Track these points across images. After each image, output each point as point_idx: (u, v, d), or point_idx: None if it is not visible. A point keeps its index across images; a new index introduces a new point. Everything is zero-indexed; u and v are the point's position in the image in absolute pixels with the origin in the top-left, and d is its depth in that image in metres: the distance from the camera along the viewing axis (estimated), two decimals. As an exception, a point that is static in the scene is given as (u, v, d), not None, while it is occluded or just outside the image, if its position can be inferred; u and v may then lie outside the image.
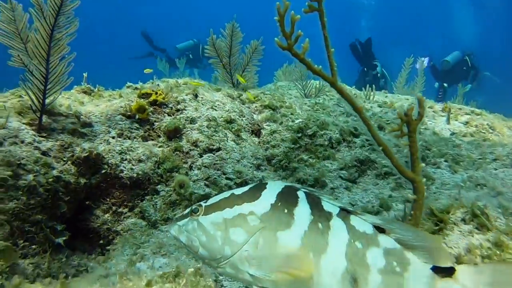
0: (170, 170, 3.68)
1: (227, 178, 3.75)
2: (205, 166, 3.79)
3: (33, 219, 2.76)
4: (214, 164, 3.82)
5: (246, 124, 4.57)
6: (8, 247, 2.33)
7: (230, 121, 4.37)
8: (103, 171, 3.39)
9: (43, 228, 2.82)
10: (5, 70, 3.18)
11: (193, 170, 3.76)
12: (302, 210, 1.61)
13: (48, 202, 2.91)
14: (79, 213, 3.39)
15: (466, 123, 5.90)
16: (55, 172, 3.01)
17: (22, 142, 3.02)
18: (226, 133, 4.21)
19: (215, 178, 3.72)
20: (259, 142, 4.51)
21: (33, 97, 3.17)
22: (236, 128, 4.33)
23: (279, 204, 1.62)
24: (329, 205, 1.65)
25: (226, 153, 3.94)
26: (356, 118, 5.22)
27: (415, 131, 2.05)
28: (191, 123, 4.12)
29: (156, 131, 3.95)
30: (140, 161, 3.59)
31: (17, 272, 2.44)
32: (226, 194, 1.75)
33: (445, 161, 4.13)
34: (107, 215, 3.41)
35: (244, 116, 4.67)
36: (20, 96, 4.37)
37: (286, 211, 1.61)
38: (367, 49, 12.59)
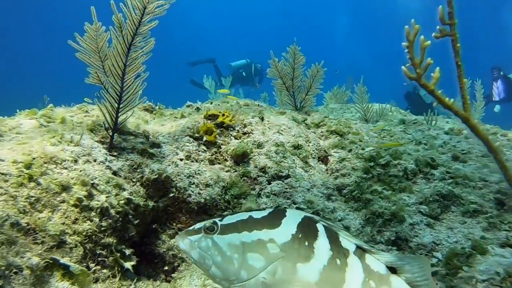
0: (238, 196, 3.49)
1: (297, 208, 3.52)
2: (274, 194, 3.59)
3: (104, 242, 2.62)
4: (284, 192, 3.60)
5: (313, 150, 4.35)
6: (83, 271, 2.19)
7: (297, 147, 4.16)
8: (171, 194, 3.24)
9: (113, 252, 2.68)
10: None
11: (262, 198, 3.56)
12: (322, 245, 1.62)
13: (119, 225, 2.78)
14: (144, 237, 3.24)
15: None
16: (126, 194, 2.88)
17: (95, 160, 2.93)
18: (294, 160, 4.00)
19: (285, 207, 3.50)
20: (326, 170, 4.27)
21: (107, 114, 3.09)
22: (304, 154, 4.12)
23: (299, 236, 1.63)
24: (346, 242, 1.67)
25: (296, 181, 3.72)
26: (427, 147, 4.93)
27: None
28: (258, 148, 3.94)
29: (223, 154, 3.80)
30: (207, 185, 3.43)
31: (88, 300, 2.29)
32: (243, 215, 1.72)
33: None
34: (173, 240, 3.24)
35: (310, 142, 4.46)
36: (86, 112, 4.37)
37: (306, 243, 1.61)
38: None
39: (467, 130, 6.35)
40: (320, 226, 1.68)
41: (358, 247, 1.67)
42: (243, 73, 14.40)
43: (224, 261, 1.61)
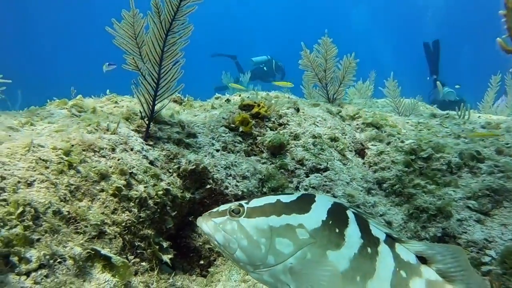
0: (275, 189, 3.35)
1: (337, 201, 3.37)
2: (312, 187, 3.44)
3: (142, 234, 2.52)
4: (323, 185, 3.45)
5: (350, 143, 4.19)
6: (125, 263, 2.08)
7: (334, 139, 4.00)
8: (208, 186, 3.12)
9: (151, 244, 2.58)
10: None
11: (300, 191, 3.42)
12: (353, 232, 1.57)
13: (156, 216, 2.68)
14: (180, 230, 3.14)
15: None
16: (164, 185, 2.77)
17: (132, 149, 2.83)
18: (331, 152, 3.84)
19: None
20: (363, 163, 4.10)
21: (144, 102, 2.99)
22: (341, 147, 3.95)
23: (330, 222, 1.57)
24: (377, 230, 1.62)
25: (335, 174, 3.56)
26: (467, 140, 4.71)
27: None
28: (295, 139, 3.80)
29: (259, 146, 3.66)
30: (244, 177, 3.30)
31: (129, 293, 2.19)
32: (271, 199, 1.64)
33: None
34: (209, 233, 3.12)
35: (346, 134, 4.29)
36: (116, 102, 4.29)
37: (337, 230, 1.56)
38: (436, 52, 11.83)
39: (508, 123, 6.08)
40: (350, 213, 1.63)
41: (388, 236, 1.62)
42: (264, 67, 14.48)
43: (251, 245, 1.54)
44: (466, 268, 1.57)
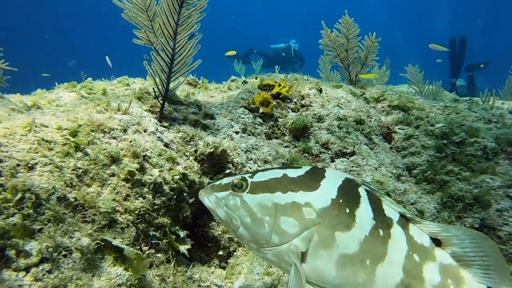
0: (298, 174, 3.11)
1: (366, 188, 3.12)
2: (338, 172, 3.19)
3: (157, 223, 2.30)
4: (350, 171, 3.20)
5: (376, 126, 3.92)
6: (139, 255, 1.87)
7: (360, 122, 3.74)
8: (228, 171, 2.89)
9: (167, 234, 2.36)
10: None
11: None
12: (365, 213, 1.46)
13: (173, 203, 2.45)
14: (197, 218, 2.92)
15: None
16: (180, 169, 2.54)
17: (145, 131, 2.60)
18: (357, 135, 3.58)
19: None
20: (391, 148, 3.84)
21: (158, 80, 2.75)
22: (367, 130, 3.69)
23: (340, 201, 1.46)
24: (390, 210, 1.51)
25: (362, 159, 3.31)
26: (499, 125, 4.41)
27: None
28: (319, 122, 3.54)
29: (281, 128, 3.41)
30: (266, 161, 3.06)
31: (144, 286, 1.97)
32: (277, 173, 1.54)
33: None
34: (228, 222, 2.90)
35: (372, 117, 4.02)
36: (128, 85, 4.06)
37: (347, 210, 1.45)
38: (462, 53, 11.39)
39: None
40: (362, 191, 1.51)
41: (401, 215, 1.52)
42: (283, 53, 14.66)
43: (254, 223, 1.46)
44: (490, 254, 1.44)
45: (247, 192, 1.49)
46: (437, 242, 1.50)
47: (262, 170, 1.59)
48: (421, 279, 1.45)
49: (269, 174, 1.54)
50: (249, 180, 1.52)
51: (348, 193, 1.49)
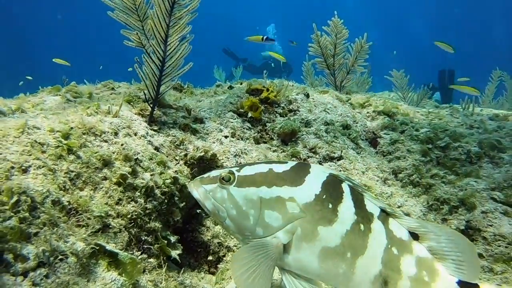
0: (287, 178, 3.12)
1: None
2: (327, 176, 3.21)
3: (149, 227, 2.27)
4: (338, 174, 3.22)
5: (362, 131, 3.97)
6: (133, 260, 1.84)
7: (346, 127, 3.78)
8: (218, 174, 2.87)
9: (158, 239, 2.33)
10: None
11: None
12: (347, 208, 1.52)
13: (164, 208, 2.42)
14: (186, 223, 2.89)
15: None
16: (171, 172, 2.52)
17: (135, 134, 2.57)
18: (344, 140, 3.62)
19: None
20: (376, 152, 3.89)
21: (149, 83, 2.72)
22: (354, 135, 3.73)
23: (324, 197, 1.51)
24: (371, 205, 1.57)
25: (350, 163, 3.34)
26: (481, 131, 4.52)
27: None
28: (306, 126, 3.57)
29: (269, 132, 3.42)
30: (255, 165, 3.06)
31: (138, 293, 1.94)
32: (263, 167, 1.59)
33: None
34: (218, 227, 2.89)
35: (358, 122, 4.07)
36: (113, 89, 4.02)
37: (330, 206, 1.51)
38: (451, 83, 11.56)
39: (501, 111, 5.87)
40: (345, 187, 1.57)
41: (382, 210, 1.58)
42: (272, 64, 14.84)
43: (239, 215, 1.52)
44: (465, 251, 1.52)
45: (234, 186, 1.54)
46: (415, 236, 1.56)
47: (249, 164, 1.63)
48: (398, 271, 1.52)
49: (256, 169, 1.59)
50: (236, 173, 1.56)
51: (331, 189, 1.55)
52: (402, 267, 1.52)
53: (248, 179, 1.55)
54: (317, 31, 4.85)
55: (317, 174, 1.57)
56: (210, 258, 2.87)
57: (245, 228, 1.53)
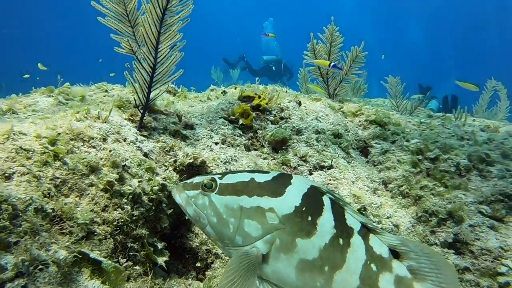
0: (277, 186, 3.12)
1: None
2: (316, 185, 3.21)
3: (136, 234, 2.26)
4: (328, 184, 3.23)
5: (353, 140, 3.98)
6: (117, 268, 1.83)
7: (337, 136, 3.79)
8: (207, 181, 2.87)
9: (145, 245, 2.32)
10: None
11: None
12: (326, 221, 1.51)
13: (151, 214, 2.42)
14: (175, 229, 2.89)
15: None
16: (159, 179, 2.51)
17: (125, 140, 2.57)
18: (335, 149, 3.62)
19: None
20: (367, 162, 3.90)
21: (139, 89, 2.72)
22: (345, 144, 3.74)
23: (303, 209, 1.51)
24: (352, 219, 1.55)
25: (340, 172, 3.35)
26: (471, 142, 4.54)
27: None
28: (297, 134, 3.57)
29: (260, 140, 3.42)
30: (245, 173, 3.06)
31: (120, 302, 1.93)
32: (245, 176, 1.59)
33: None
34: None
35: (349, 131, 4.08)
36: (106, 91, 4.01)
37: (309, 218, 1.50)
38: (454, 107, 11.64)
39: (506, 127, 5.93)
40: (326, 199, 1.56)
41: (363, 225, 1.56)
42: (273, 67, 15.00)
43: (220, 223, 1.53)
44: (445, 273, 1.51)
45: (215, 193, 1.55)
46: (395, 254, 1.54)
47: (232, 172, 1.63)
48: None
49: (238, 177, 1.59)
50: (218, 181, 1.57)
51: (312, 201, 1.54)
52: (380, 284, 1.50)
53: (229, 187, 1.55)
54: (313, 40, 4.86)
55: (298, 186, 1.57)
56: (198, 264, 2.86)
57: (225, 236, 1.53)
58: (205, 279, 2.73)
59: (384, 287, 1.49)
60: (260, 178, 1.58)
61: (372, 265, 1.50)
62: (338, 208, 1.56)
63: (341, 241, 1.50)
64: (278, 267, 1.49)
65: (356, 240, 1.52)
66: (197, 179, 1.60)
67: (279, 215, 1.50)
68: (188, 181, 1.62)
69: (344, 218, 1.54)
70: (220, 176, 1.59)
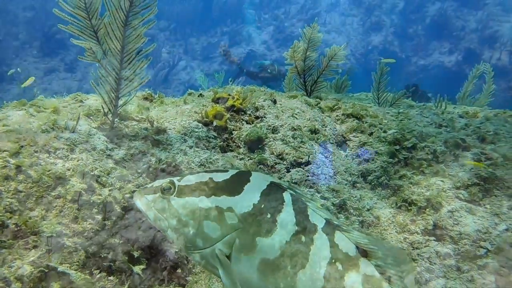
0: (255, 186, 3.10)
1: (322, 197, 3.15)
2: (294, 183, 3.20)
3: (108, 244, 2.22)
4: (306, 180, 3.22)
5: (331, 135, 3.98)
6: (87, 280, 1.79)
7: (314, 131, 3.78)
8: (182, 186, 2.83)
9: (118, 255, 2.28)
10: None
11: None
12: (287, 219, 1.46)
13: (126, 222, 2.38)
14: (155, 235, 2.84)
15: None
16: (131, 187, 2.48)
17: (94, 149, 2.52)
18: (312, 145, 3.62)
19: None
20: (346, 156, 3.90)
21: (106, 97, 2.68)
22: (322, 139, 3.73)
23: (262, 207, 1.47)
24: (316, 216, 1.50)
25: (317, 168, 3.34)
26: (449, 129, 4.58)
27: None
28: (273, 133, 3.55)
29: (235, 140, 3.40)
30: (221, 175, 3.03)
31: (94, 314, 1.89)
32: (203, 176, 1.55)
33: None
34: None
35: (327, 126, 4.08)
36: (81, 101, 3.95)
37: (269, 216, 1.46)
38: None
39: (484, 112, 5.98)
40: (287, 196, 1.52)
41: (328, 222, 1.51)
42: (269, 70, 15.40)
43: (179, 225, 1.48)
44: (403, 274, 1.47)
45: (174, 196, 1.52)
46: (363, 252, 1.49)
47: (192, 174, 1.60)
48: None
49: (196, 178, 1.56)
50: (177, 183, 1.54)
51: (271, 198, 1.50)
52: (346, 284, 1.43)
53: (187, 189, 1.52)
54: (296, 42, 4.85)
55: (257, 183, 1.53)
56: (178, 270, 2.82)
57: (186, 239, 1.48)
58: (187, 285, 2.70)
59: (351, 287, 1.43)
60: (218, 177, 1.55)
61: (338, 264, 1.45)
62: (301, 204, 1.51)
63: (303, 238, 1.45)
64: (240, 268, 1.45)
65: (320, 236, 1.47)
66: (156, 183, 1.57)
67: (238, 214, 1.46)
68: (148, 185, 1.60)
69: (306, 214, 1.50)
70: (178, 178, 1.56)
